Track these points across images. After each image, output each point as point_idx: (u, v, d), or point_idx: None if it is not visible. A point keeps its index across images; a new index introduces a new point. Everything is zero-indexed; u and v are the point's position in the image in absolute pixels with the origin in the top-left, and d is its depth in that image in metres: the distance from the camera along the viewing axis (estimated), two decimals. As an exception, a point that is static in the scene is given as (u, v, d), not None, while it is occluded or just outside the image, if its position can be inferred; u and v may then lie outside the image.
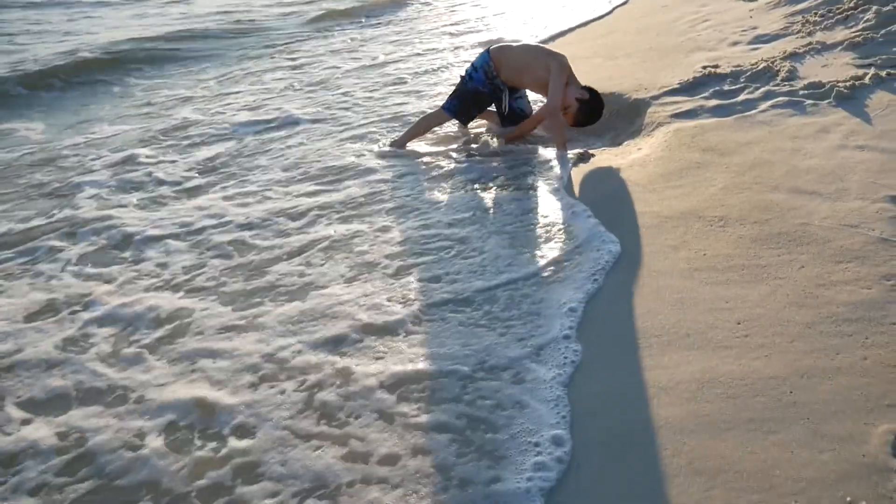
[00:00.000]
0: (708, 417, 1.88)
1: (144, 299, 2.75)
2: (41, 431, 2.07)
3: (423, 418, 2.00)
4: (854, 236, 2.54)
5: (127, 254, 3.16)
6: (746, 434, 1.81)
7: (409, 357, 2.27)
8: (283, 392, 2.17)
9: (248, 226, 3.36)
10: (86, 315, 2.67)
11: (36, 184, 4.09)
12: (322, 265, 2.92)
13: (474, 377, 2.15)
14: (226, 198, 3.72)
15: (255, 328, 2.50)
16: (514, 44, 4.30)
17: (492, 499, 1.72)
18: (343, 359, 2.29)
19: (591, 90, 3.97)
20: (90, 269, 3.04)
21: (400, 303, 2.58)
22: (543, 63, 3.98)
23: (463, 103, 4.25)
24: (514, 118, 4.29)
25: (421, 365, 2.22)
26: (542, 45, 4.38)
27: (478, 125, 4.61)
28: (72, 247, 3.25)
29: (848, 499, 1.59)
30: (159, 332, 2.54)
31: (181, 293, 2.79)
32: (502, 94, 4.21)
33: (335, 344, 2.37)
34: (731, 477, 1.70)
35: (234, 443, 1.97)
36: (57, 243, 3.28)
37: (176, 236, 3.29)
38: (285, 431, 2.00)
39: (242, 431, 2.02)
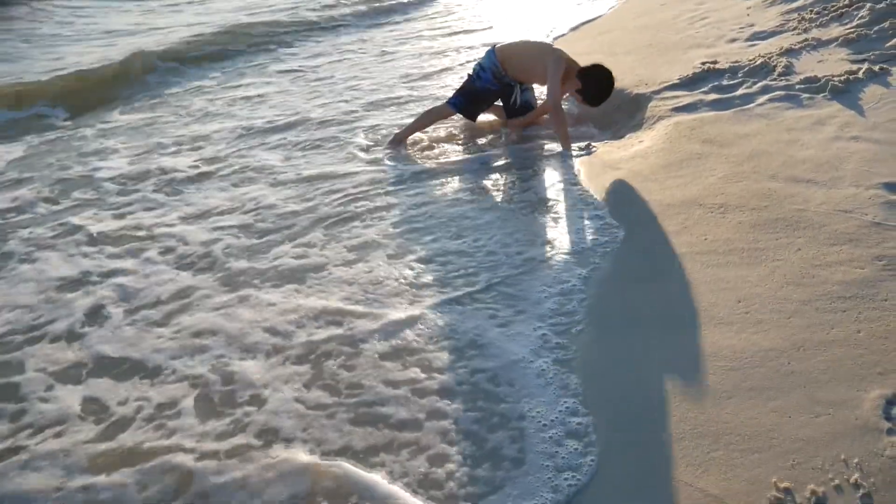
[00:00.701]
0: (710, 387, 2.00)
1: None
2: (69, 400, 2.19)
3: (439, 383, 2.12)
4: (848, 220, 2.66)
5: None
6: (747, 401, 1.93)
7: (422, 330, 2.39)
8: (296, 361, 2.28)
9: (254, 211, 3.47)
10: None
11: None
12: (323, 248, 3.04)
13: (489, 344, 2.27)
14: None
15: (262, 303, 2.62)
16: (517, 41, 4.42)
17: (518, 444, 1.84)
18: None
19: (592, 70, 4.01)
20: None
21: (407, 282, 2.69)
22: (542, 60, 4.09)
23: (469, 100, 4.36)
24: (521, 111, 4.41)
25: (431, 336, 2.34)
26: (541, 41, 4.49)
27: (482, 118, 4.72)
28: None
29: (842, 456, 1.71)
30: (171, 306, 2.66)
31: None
32: (513, 90, 4.33)
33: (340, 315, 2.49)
34: (732, 439, 1.82)
35: (251, 409, 2.09)
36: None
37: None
38: (298, 402, 2.12)
39: (258, 400, 2.13)
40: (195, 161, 4.34)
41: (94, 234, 3.38)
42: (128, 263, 3.08)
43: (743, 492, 1.67)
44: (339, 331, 2.46)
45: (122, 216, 3.59)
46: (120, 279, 2.94)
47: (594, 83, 4.02)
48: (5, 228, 3.51)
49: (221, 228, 3.37)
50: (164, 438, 2.02)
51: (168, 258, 3.11)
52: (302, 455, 1.91)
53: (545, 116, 4.48)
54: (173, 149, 4.63)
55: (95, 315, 2.68)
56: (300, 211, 3.49)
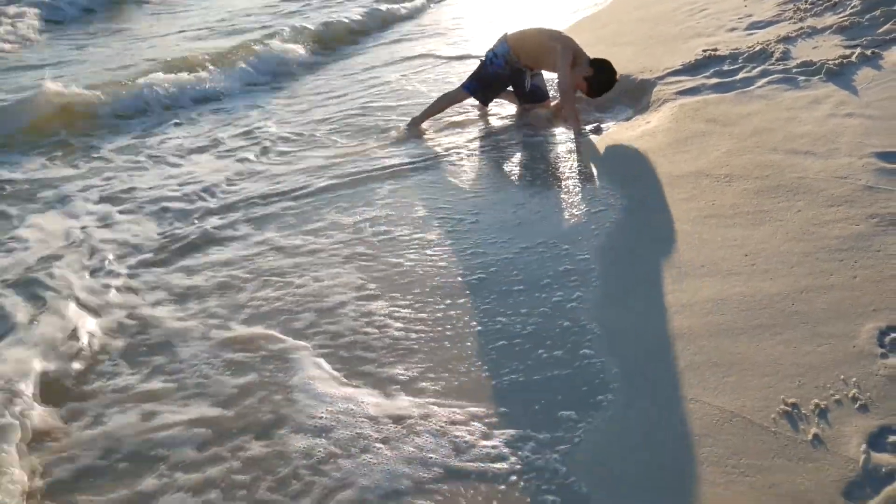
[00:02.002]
0: (723, 326, 2.23)
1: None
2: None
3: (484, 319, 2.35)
4: (844, 185, 2.89)
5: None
6: (756, 336, 2.16)
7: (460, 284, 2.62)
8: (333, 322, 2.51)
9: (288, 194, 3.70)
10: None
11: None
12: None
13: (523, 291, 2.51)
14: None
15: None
16: (528, 29, 4.65)
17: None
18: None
19: (599, 63, 4.28)
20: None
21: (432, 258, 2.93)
22: (552, 47, 4.33)
23: (483, 85, 4.59)
24: (533, 96, 4.64)
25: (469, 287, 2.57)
26: (552, 28, 4.71)
27: (496, 103, 4.95)
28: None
29: (842, 377, 1.94)
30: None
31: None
32: (524, 76, 4.56)
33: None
34: (744, 367, 2.05)
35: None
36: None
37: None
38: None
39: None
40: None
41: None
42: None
43: (755, 407, 1.89)
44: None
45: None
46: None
47: (604, 73, 4.29)
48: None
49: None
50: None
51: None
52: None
53: (555, 102, 4.72)
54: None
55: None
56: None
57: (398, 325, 2.46)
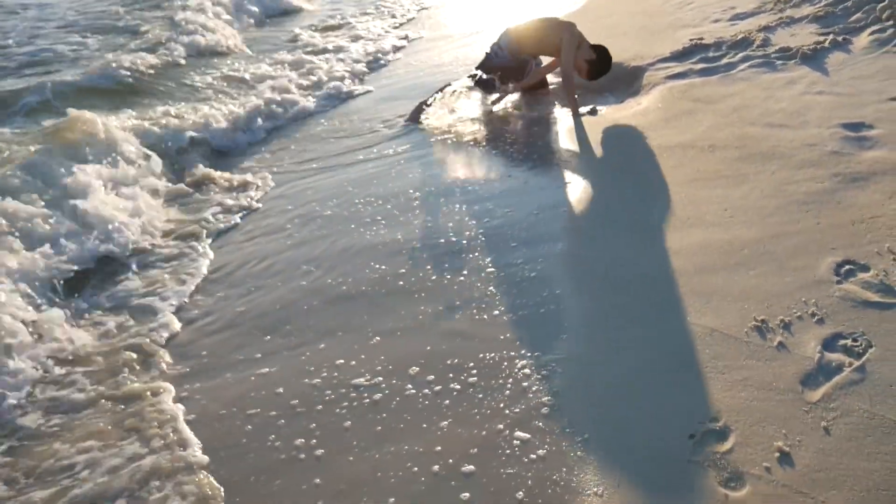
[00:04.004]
0: (706, 265, 2.61)
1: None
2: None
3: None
4: (813, 151, 3.28)
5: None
6: (733, 272, 2.54)
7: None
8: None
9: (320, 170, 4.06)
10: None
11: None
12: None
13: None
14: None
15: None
16: (528, 21, 5.02)
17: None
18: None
19: (599, 48, 4.67)
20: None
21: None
22: (557, 34, 4.70)
23: (489, 75, 4.96)
24: (536, 84, 5.03)
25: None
26: (553, 17, 5.07)
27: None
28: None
29: (803, 299, 2.33)
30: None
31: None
32: (528, 65, 4.93)
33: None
34: (721, 295, 2.43)
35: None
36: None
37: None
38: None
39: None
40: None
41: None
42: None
43: (731, 324, 2.27)
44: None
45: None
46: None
47: (605, 57, 4.67)
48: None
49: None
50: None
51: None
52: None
53: (550, 88, 5.09)
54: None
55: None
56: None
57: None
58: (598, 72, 4.70)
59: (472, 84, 5.09)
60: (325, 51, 7.50)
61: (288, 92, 5.84)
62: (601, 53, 4.65)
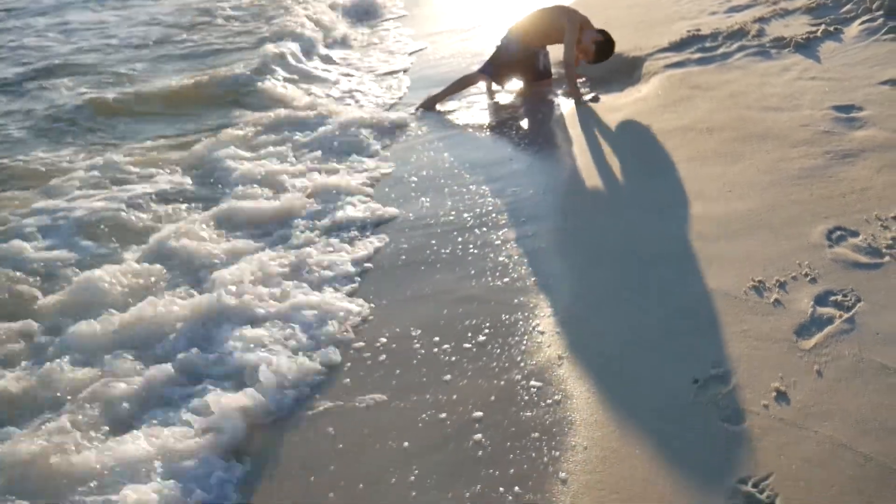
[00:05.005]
0: (705, 234, 2.78)
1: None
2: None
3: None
4: (806, 131, 3.46)
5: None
6: (733, 240, 2.71)
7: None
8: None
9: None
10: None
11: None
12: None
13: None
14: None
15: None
16: (531, 13, 5.18)
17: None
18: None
19: (603, 32, 4.83)
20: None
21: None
22: (560, 23, 4.87)
23: (500, 67, 5.13)
24: (541, 74, 5.20)
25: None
26: (556, 5, 5.19)
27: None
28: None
29: (797, 262, 2.49)
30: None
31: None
32: (538, 56, 5.10)
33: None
34: (721, 260, 2.60)
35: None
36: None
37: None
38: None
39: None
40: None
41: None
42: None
43: (730, 285, 2.44)
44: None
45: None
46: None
47: (609, 41, 4.84)
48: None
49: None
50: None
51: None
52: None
53: (549, 80, 5.27)
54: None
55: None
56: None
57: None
58: (602, 54, 4.85)
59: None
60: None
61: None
62: (609, 37, 4.82)
